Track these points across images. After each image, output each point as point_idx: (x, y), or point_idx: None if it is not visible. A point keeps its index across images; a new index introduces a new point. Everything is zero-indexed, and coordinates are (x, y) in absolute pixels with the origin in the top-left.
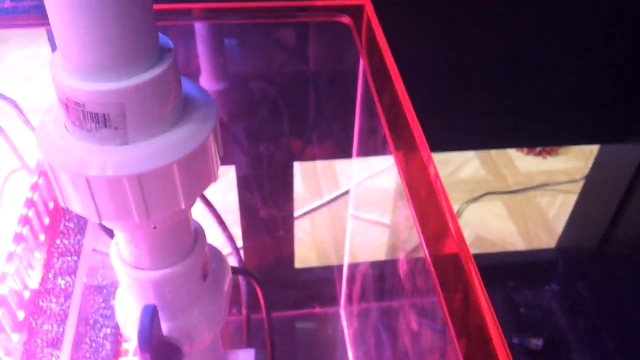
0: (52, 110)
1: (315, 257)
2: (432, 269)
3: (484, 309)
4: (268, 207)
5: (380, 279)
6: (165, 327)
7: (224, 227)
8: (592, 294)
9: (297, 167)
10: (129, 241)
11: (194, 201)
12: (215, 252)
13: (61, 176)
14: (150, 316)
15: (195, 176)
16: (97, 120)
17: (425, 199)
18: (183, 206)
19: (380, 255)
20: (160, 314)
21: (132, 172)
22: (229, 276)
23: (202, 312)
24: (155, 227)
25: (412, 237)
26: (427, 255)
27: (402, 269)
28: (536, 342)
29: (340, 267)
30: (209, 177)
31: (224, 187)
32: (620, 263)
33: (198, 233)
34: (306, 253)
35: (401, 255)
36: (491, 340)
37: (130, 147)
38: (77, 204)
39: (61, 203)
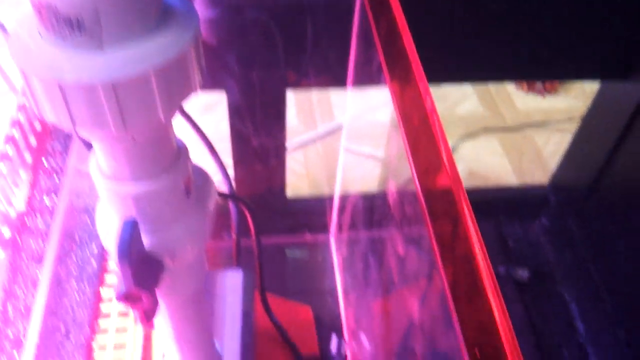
0: (26, 18)
1: (308, 188)
2: (422, 197)
3: (472, 237)
4: (260, 135)
5: (371, 209)
6: (146, 240)
7: (213, 152)
8: (582, 230)
9: (293, 99)
10: (108, 153)
11: (174, 113)
12: (201, 171)
13: (34, 83)
14: (130, 229)
15: (174, 86)
16: (71, 25)
17: (419, 128)
18: (162, 117)
19: (372, 187)
20: (142, 228)
21: (107, 79)
22: (214, 196)
23: (185, 228)
24: (134, 139)
25: (404, 168)
26: (417, 184)
27: (393, 198)
28: (522, 273)
29: (332, 198)
30: (189, 88)
31: (218, 116)
32: (613, 201)
33: (181, 150)
34: (299, 184)
35: (392, 185)
36: (478, 268)
37: (106, 53)
38: (50, 111)
39: (36, 112)
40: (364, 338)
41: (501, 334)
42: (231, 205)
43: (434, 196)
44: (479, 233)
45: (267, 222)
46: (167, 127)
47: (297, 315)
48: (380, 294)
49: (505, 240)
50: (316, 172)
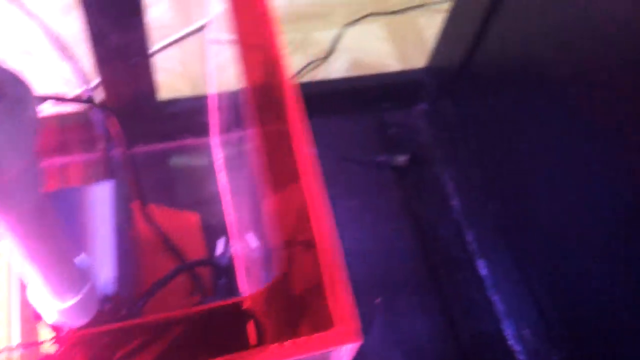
0: None
1: (186, 88)
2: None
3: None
4: (118, 32)
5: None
6: None
7: (68, 56)
8: (457, 110)
9: None
10: None
11: None
12: (13, 75)
13: None
14: None
15: None
16: None
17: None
18: None
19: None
20: None
21: None
22: (33, 102)
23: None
24: None
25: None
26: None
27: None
28: (400, 159)
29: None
30: None
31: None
32: (484, 79)
33: None
34: (176, 83)
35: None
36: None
37: None
38: None
39: None
40: (250, 237)
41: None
42: (95, 114)
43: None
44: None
45: (142, 128)
46: None
47: (183, 223)
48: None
49: (386, 128)
50: (194, 70)
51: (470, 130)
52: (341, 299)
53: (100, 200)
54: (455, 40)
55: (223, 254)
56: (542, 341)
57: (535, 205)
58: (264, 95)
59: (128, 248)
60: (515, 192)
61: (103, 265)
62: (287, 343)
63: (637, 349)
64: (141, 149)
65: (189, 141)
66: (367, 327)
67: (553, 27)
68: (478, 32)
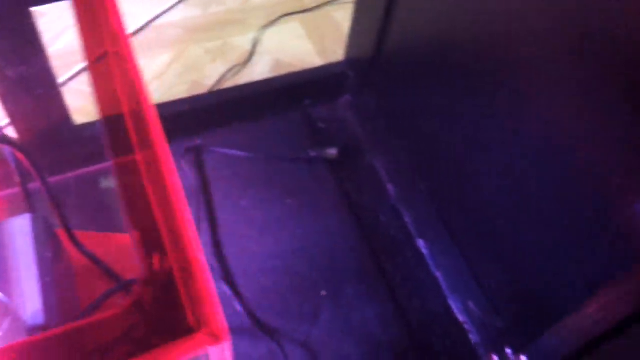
0: None
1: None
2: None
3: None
4: (16, 65)
5: None
6: None
7: None
8: (378, 99)
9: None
10: None
11: None
12: None
13: None
14: None
15: None
16: None
17: None
18: None
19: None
20: None
21: None
22: None
23: None
24: None
25: None
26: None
27: None
28: (331, 152)
29: None
30: None
31: None
32: (396, 66)
33: None
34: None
35: None
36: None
37: None
38: None
39: None
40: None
41: None
42: (6, 150)
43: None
44: None
45: (65, 154)
46: None
47: (114, 245)
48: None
49: (315, 123)
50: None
51: (392, 117)
52: (203, 304)
53: (19, 234)
54: (364, 32)
55: (160, 267)
56: (485, 311)
57: (460, 181)
58: (122, 124)
59: (55, 277)
60: (440, 171)
61: (28, 297)
62: (148, 355)
63: (565, 306)
64: (70, 174)
65: (121, 159)
66: (314, 321)
67: (452, 10)
68: (383, 22)
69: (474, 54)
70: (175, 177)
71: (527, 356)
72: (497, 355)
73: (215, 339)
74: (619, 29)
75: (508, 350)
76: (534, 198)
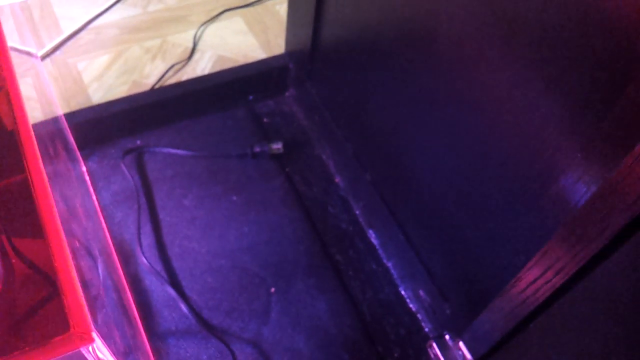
0: None
1: (39, 114)
2: None
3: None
4: None
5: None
6: None
7: None
8: (317, 91)
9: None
10: None
11: None
12: None
13: None
14: None
15: None
16: None
17: None
18: None
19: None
20: None
21: None
22: None
23: None
24: None
25: None
26: None
27: None
28: (276, 146)
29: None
30: None
31: None
32: (331, 57)
33: None
34: (33, 110)
35: None
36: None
37: None
38: None
39: None
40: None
41: None
42: None
43: None
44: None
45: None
46: None
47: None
48: None
49: (260, 118)
50: (47, 95)
51: (334, 108)
52: (69, 305)
53: None
54: (299, 25)
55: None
56: (434, 297)
57: (400, 167)
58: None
59: None
60: (382, 159)
61: None
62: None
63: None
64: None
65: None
66: (264, 319)
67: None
68: (316, 14)
69: (402, 40)
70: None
71: (463, 341)
72: (436, 342)
73: (83, 339)
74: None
75: (447, 336)
76: (470, 179)
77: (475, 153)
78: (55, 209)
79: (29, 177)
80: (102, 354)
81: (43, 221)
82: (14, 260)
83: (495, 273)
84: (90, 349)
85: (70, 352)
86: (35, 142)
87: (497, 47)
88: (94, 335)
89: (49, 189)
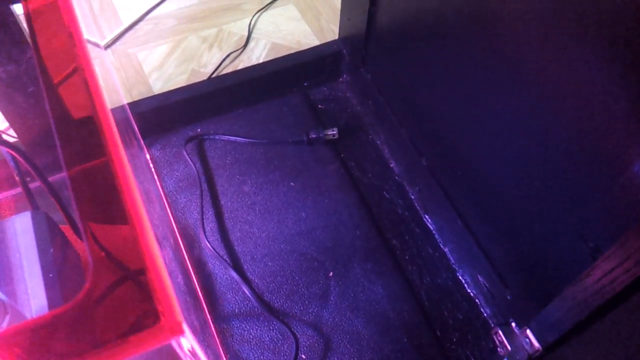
0: None
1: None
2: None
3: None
4: (4, 64)
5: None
6: None
7: None
8: (372, 77)
9: None
10: None
11: None
12: None
13: None
14: None
15: None
16: None
17: None
18: None
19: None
20: None
21: None
22: None
23: None
24: None
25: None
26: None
27: None
28: (331, 132)
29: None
30: None
31: None
32: (387, 41)
33: None
34: None
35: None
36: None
37: None
38: None
39: None
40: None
41: None
42: (4, 152)
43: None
44: None
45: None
46: None
47: (121, 236)
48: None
49: (315, 105)
50: (114, 84)
51: (389, 93)
52: (159, 297)
53: (19, 231)
54: (354, 9)
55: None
56: (494, 283)
57: (459, 152)
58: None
59: (60, 272)
60: (439, 144)
61: (32, 294)
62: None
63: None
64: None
65: None
66: (323, 302)
67: None
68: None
69: (463, 22)
70: (129, 177)
71: (531, 329)
72: (501, 329)
73: (173, 331)
74: None
75: (513, 324)
76: (533, 164)
77: (539, 137)
78: (138, 195)
79: (110, 162)
80: (192, 345)
81: (127, 207)
82: (98, 249)
83: (560, 261)
84: (180, 341)
85: (160, 345)
86: (115, 128)
87: (565, 27)
88: (184, 326)
89: (131, 174)
